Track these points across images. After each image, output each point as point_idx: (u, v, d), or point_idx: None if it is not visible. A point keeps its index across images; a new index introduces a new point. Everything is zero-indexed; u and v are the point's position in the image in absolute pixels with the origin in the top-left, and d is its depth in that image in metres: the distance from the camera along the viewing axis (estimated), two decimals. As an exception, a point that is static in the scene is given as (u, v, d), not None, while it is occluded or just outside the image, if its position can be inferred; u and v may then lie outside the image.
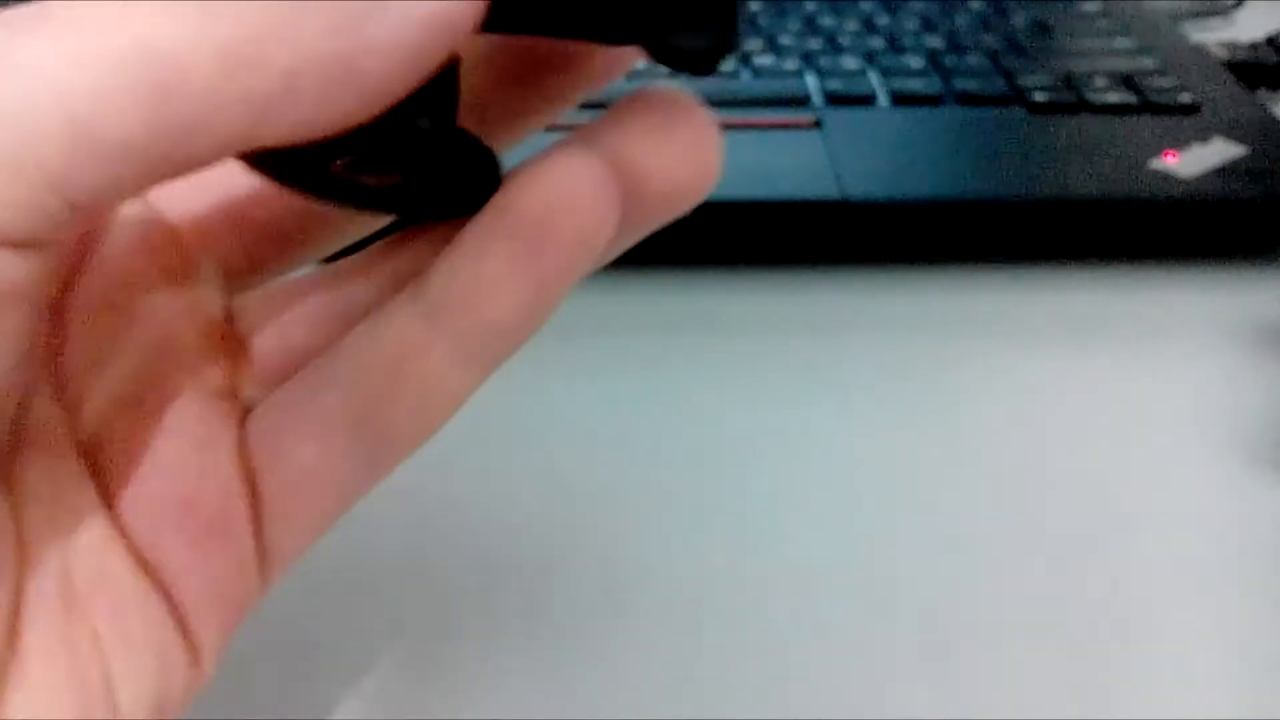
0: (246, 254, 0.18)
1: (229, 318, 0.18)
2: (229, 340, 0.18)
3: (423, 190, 0.17)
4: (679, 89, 0.16)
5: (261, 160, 0.16)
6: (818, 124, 0.38)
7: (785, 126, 0.38)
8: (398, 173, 0.16)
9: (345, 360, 0.17)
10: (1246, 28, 0.52)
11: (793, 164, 0.36)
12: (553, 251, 0.15)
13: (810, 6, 0.47)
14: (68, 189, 0.12)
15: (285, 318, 0.18)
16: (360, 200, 0.17)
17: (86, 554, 0.15)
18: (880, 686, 0.23)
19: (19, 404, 0.15)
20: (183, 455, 0.17)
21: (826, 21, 0.46)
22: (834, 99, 0.40)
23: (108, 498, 0.16)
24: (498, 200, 0.16)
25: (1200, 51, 0.44)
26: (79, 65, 0.12)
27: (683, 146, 0.16)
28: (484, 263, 0.16)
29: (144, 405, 0.17)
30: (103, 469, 0.16)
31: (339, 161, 0.15)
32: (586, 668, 0.23)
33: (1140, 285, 0.35)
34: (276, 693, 0.23)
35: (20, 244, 0.13)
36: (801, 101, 0.39)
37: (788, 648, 0.23)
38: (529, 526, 0.26)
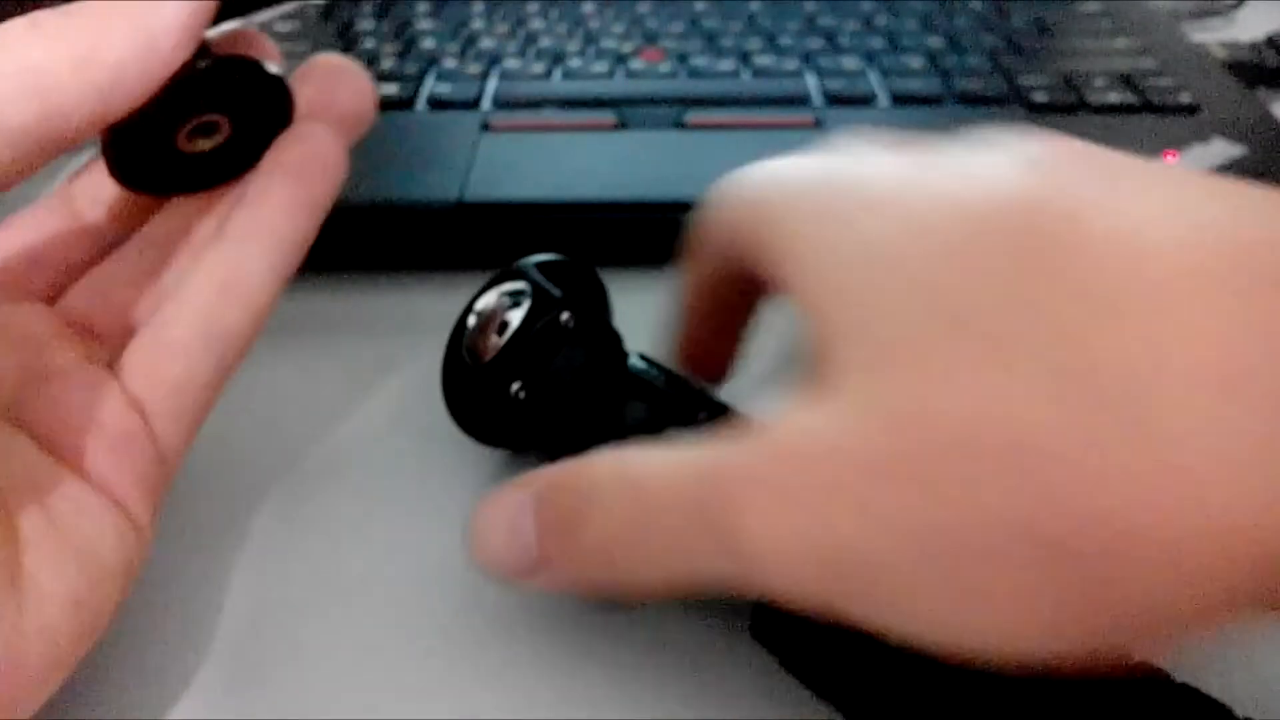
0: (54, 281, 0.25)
1: (68, 316, 0.25)
2: (74, 327, 0.25)
3: (246, 134, 0.24)
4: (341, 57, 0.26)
5: (127, 174, 0.24)
6: (818, 124, 0.38)
7: (785, 126, 0.38)
8: (225, 114, 0.24)
9: (186, 298, 0.24)
10: (1246, 28, 0.52)
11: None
12: (318, 181, 0.25)
13: (810, 6, 0.48)
14: None
15: (103, 296, 0.25)
16: (202, 172, 0.25)
17: (23, 478, 0.21)
18: None
19: None
20: (83, 399, 0.22)
21: (826, 21, 0.46)
22: (834, 99, 0.40)
23: (41, 441, 0.22)
24: (269, 160, 0.25)
25: (1200, 51, 0.44)
26: None
27: (352, 85, 0.26)
28: (272, 197, 0.24)
29: (39, 380, 0.23)
30: (29, 425, 0.22)
31: (184, 131, 0.23)
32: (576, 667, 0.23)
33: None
34: (279, 693, 0.23)
35: None
36: (801, 101, 0.40)
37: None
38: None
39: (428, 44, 0.44)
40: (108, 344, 0.24)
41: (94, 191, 0.26)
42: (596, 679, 0.23)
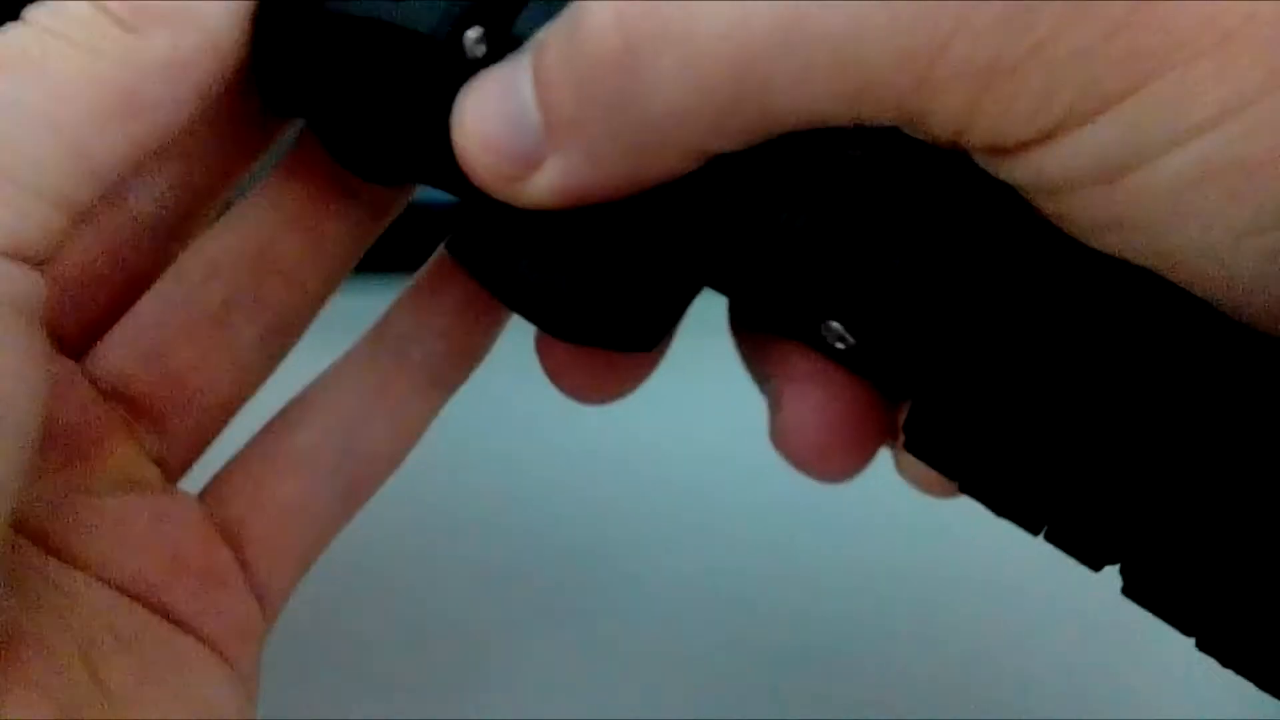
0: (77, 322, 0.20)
1: (102, 377, 0.19)
2: (112, 396, 0.19)
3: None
4: None
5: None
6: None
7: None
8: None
9: (318, 401, 0.20)
10: None
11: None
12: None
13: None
14: (66, 203, 0.15)
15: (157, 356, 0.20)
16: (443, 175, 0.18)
17: (94, 626, 0.17)
18: (879, 683, 0.23)
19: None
20: (148, 525, 0.18)
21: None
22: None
23: (104, 576, 0.18)
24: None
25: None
26: (59, 100, 0.15)
27: None
28: (452, 287, 0.20)
29: (83, 492, 0.18)
30: (78, 555, 0.18)
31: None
32: (587, 667, 0.23)
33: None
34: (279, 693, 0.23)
35: (30, 258, 0.15)
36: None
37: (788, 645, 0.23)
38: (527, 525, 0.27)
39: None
40: (156, 419, 0.20)
41: (152, 186, 0.20)
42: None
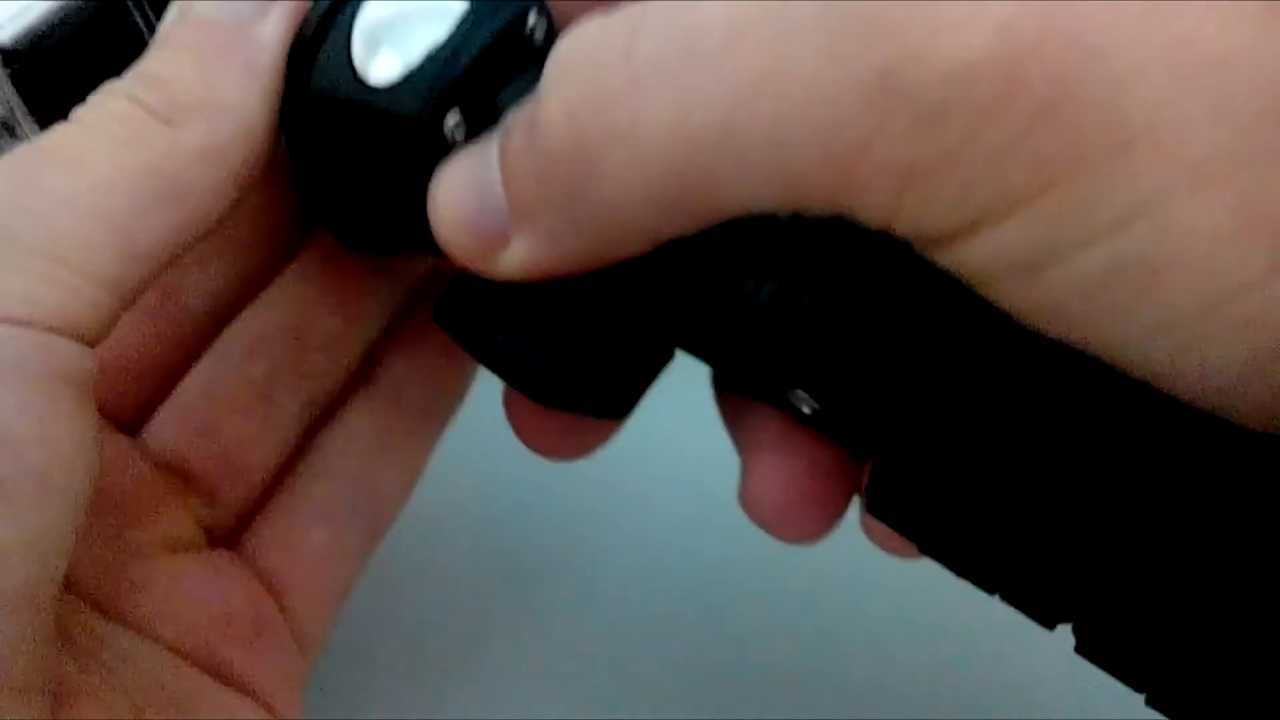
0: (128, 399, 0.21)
1: (156, 451, 0.21)
2: (165, 468, 0.20)
3: None
4: None
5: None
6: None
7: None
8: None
9: (325, 453, 0.20)
10: None
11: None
12: None
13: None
14: (114, 284, 0.16)
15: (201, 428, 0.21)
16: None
17: (146, 683, 0.18)
18: (878, 684, 0.24)
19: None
20: (202, 584, 0.19)
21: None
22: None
23: (156, 636, 0.19)
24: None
25: None
26: (103, 189, 0.16)
27: None
28: (434, 334, 0.20)
29: (135, 557, 0.19)
30: (130, 617, 0.19)
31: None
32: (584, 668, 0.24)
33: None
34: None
35: (80, 335, 0.16)
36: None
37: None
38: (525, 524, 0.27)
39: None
40: (207, 491, 0.21)
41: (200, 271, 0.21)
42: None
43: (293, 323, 0.21)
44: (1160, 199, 0.13)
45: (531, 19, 0.18)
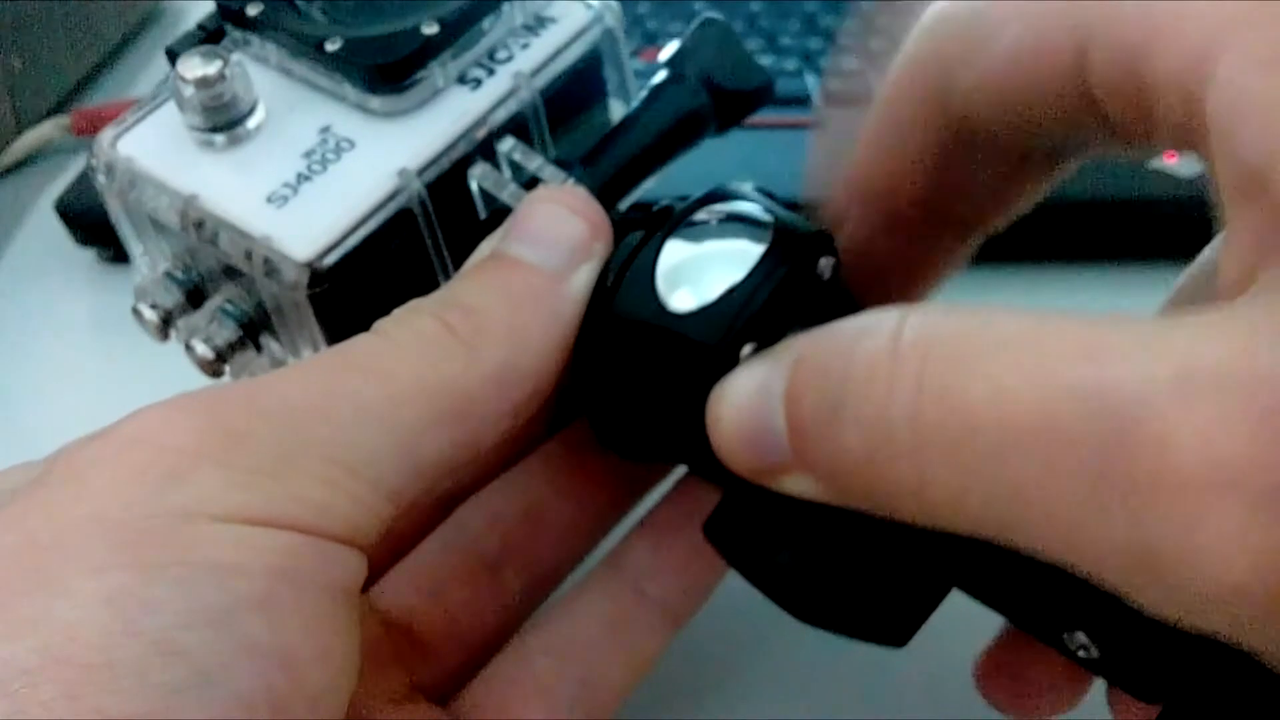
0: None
1: (386, 611, 0.21)
2: (395, 630, 0.21)
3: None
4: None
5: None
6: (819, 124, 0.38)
7: (785, 126, 0.38)
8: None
9: (557, 630, 0.21)
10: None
11: (792, 165, 0.36)
12: None
13: (810, 6, 0.48)
14: (395, 495, 0.16)
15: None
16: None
17: None
18: (878, 682, 0.23)
19: None
20: None
21: (827, 21, 0.46)
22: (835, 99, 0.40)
23: None
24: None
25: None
26: (397, 403, 0.17)
27: None
28: (677, 536, 0.21)
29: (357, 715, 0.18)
30: None
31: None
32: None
33: (1140, 285, 0.35)
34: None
35: (359, 544, 0.16)
36: (802, 101, 0.40)
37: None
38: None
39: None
40: (427, 649, 0.21)
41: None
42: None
43: (529, 506, 0.22)
44: None
45: (823, 262, 0.19)
